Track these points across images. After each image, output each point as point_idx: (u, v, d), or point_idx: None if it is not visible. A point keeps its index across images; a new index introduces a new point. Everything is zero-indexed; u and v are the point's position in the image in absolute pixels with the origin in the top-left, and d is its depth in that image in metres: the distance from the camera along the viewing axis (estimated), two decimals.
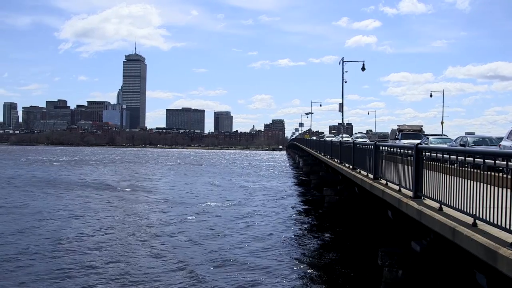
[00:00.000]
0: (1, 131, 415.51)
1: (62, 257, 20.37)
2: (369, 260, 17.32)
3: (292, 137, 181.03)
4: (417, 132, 44.72)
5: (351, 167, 23.30)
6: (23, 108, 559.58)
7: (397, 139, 42.46)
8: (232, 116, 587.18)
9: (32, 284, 16.60)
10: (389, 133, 58.65)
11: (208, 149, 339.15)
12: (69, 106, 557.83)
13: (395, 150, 15.71)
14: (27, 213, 32.92)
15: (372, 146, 17.64)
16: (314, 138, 76.05)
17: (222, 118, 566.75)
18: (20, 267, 18.68)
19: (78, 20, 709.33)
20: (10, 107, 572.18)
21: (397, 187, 13.94)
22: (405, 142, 35.02)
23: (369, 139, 64.44)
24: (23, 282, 16.84)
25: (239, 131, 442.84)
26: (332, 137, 71.90)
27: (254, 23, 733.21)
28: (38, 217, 31.15)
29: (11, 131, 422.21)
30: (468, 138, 28.50)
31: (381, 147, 16.90)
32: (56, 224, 28.80)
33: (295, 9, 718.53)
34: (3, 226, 27.65)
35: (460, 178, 9.33)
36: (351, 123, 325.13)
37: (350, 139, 51.78)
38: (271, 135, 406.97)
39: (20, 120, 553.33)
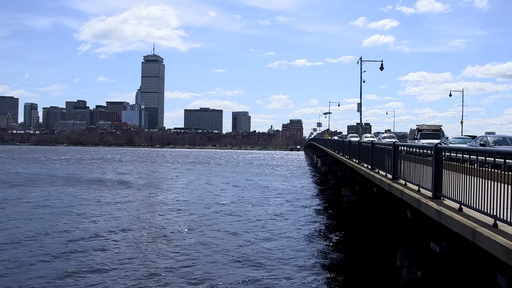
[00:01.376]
0: (22, 131, 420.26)
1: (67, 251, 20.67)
2: (388, 260, 17.22)
3: (310, 137, 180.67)
4: (436, 132, 44.30)
5: (369, 167, 23.18)
6: (43, 108, 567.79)
7: (416, 139, 42.14)
8: (250, 116, 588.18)
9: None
10: (408, 133, 58.16)
11: (226, 149, 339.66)
12: (89, 107, 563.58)
13: (414, 150, 15.59)
14: (30, 207, 33.55)
15: (391, 146, 17.54)
16: (336, 138, 73.65)
17: (240, 118, 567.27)
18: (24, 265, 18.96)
19: (96, 22, 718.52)
20: (30, 108, 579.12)
21: (416, 187, 13.84)
22: (424, 142, 34.73)
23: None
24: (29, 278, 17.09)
25: (257, 131, 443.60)
26: (356, 137, 68.50)
27: (271, 23, 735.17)
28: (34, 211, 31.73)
29: (31, 132, 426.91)
30: (488, 138, 28.16)
31: (400, 147, 16.80)
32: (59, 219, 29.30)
33: (312, 8, 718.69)
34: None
35: (481, 179, 9.23)
36: (369, 123, 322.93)
37: (375, 139, 50.67)
38: (289, 135, 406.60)
39: (41, 120, 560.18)
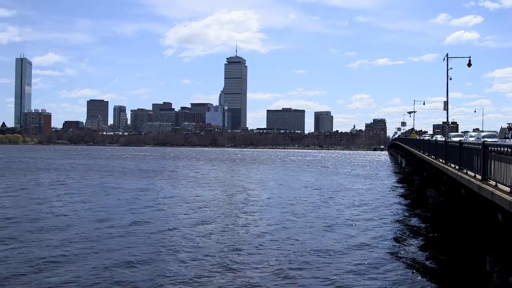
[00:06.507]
0: (111, 133, 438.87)
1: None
2: (477, 265, 16.59)
3: (394, 137, 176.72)
4: None
5: (457, 167, 22.42)
6: (131, 111, 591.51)
7: (507, 138, 40.31)
8: (332, 116, 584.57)
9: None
10: (498, 131, 55.49)
11: (308, 149, 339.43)
12: (174, 108, 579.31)
13: (505, 149, 14.89)
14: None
15: (480, 146, 16.88)
16: (439, 137, 66.70)
17: (322, 118, 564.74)
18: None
19: (180, 27, 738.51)
20: (119, 110, 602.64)
21: (508, 189, 13.22)
22: None
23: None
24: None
25: (339, 131, 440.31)
26: (461, 136, 60.65)
27: (349, 24, 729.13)
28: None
29: (120, 133, 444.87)
30: None
31: (490, 147, 16.13)
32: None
33: (391, 6, 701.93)
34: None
35: None
36: (456, 122, 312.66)
37: (473, 138, 47.30)
38: (372, 135, 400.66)
39: (129, 122, 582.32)
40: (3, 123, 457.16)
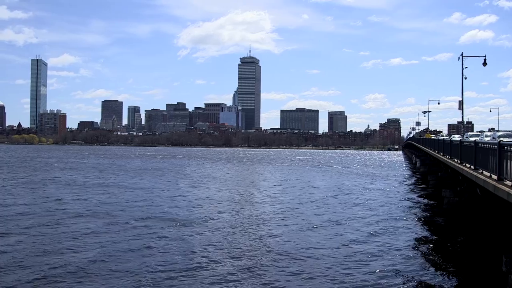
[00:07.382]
0: (126, 133, 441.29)
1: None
2: (492, 266, 16.44)
3: (408, 137, 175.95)
4: None
5: (472, 167, 22.23)
6: (145, 111, 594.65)
7: None
8: (346, 116, 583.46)
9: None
10: None
11: (322, 149, 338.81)
12: (188, 109, 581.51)
13: None
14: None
15: (496, 146, 16.73)
16: (457, 137, 63.51)
17: (336, 118, 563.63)
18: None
19: (194, 28, 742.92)
20: (134, 111, 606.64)
21: None
22: None
23: None
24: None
25: (353, 131, 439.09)
26: (478, 136, 55.95)
27: (363, 24, 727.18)
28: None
29: (134, 133, 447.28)
30: None
31: (505, 147, 15.98)
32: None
33: (405, 5, 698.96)
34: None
35: None
36: (471, 121, 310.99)
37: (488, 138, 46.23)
38: (386, 135, 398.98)
39: (143, 122, 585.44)
40: (19, 123, 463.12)
